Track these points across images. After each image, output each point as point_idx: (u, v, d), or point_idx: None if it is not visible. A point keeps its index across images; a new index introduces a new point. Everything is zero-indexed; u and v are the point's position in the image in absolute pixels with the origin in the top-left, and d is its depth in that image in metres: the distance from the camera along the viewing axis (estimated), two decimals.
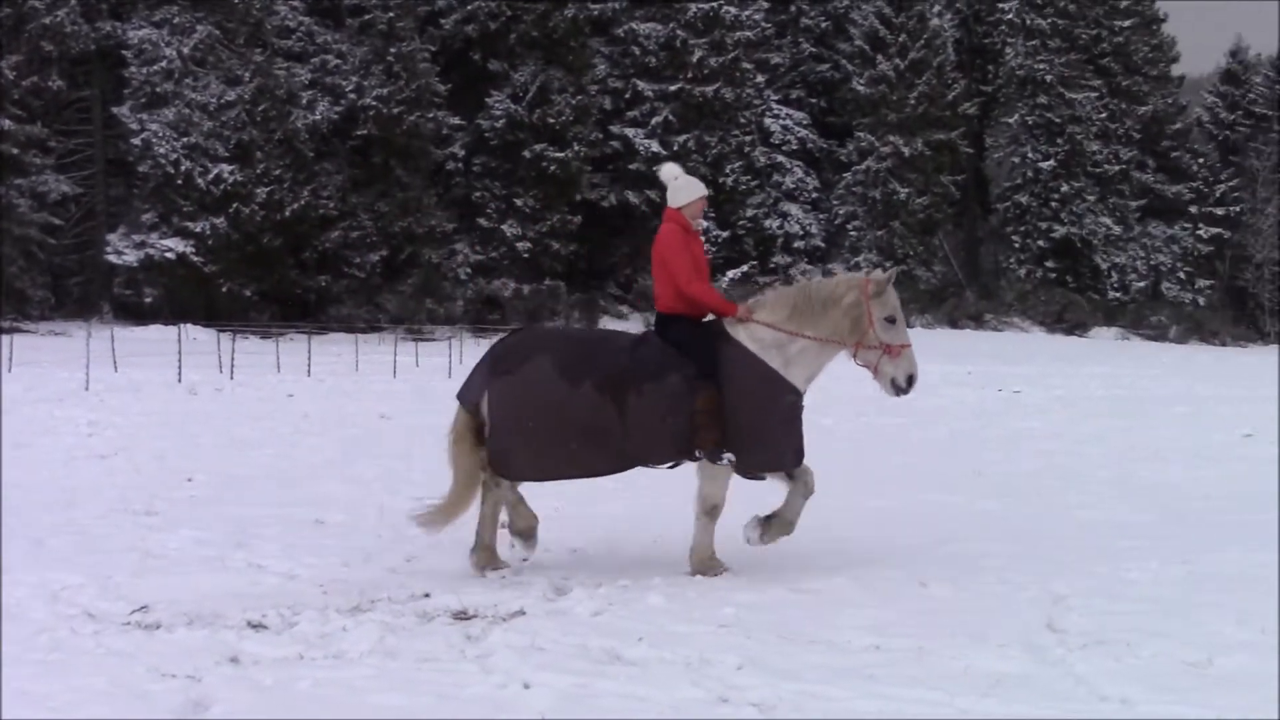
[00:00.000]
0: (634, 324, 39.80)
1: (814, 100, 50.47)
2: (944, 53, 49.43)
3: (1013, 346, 40.51)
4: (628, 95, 44.00)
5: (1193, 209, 55.00)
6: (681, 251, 6.39)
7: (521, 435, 6.21)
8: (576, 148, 40.03)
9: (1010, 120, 51.75)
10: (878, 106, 47.53)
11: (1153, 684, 4.17)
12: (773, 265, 46.30)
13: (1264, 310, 56.25)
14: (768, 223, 46.41)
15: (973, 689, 4.14)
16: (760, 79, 46.57)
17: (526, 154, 39.33)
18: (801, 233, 47.46)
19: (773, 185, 47.06)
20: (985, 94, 53.61)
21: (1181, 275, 54.58)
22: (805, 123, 49.00)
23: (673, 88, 43.92)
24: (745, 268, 44.48)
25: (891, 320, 6.32)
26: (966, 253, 53.61)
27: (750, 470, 6.31)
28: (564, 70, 40.39)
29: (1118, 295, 52.19)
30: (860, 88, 48.12)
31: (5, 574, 5.63)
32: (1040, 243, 50.92)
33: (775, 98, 48.27)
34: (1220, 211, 55.16)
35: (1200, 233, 54.87)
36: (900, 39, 48.01)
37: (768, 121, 47.27)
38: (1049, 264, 50.88)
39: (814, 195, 48.75)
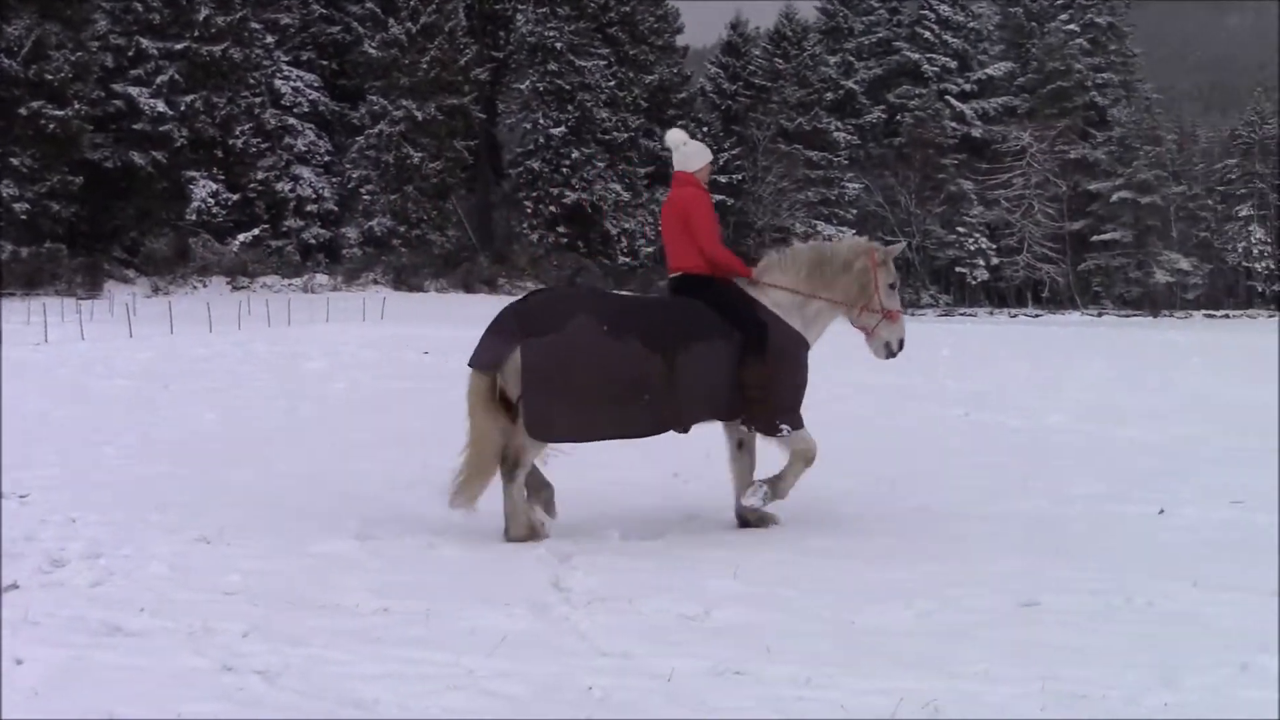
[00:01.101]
0: (141, 288, 46.78)
1: (325, 62, 59.73)
2: (455, 18, 59.78)
3: None
4: (131, 53, 50.92)
5: None
6: (709, 214, 7.81)
7: (565, 395, 7.11)
8: (77, 106, 46.47)
9: (521, 86, 63.07)
10: (389, 70, 57.19)
11: (652, 637, 5.12)
12: (284, 229, 54.87)
13: None
14: (279, 185, 54.87)
15: (479, 648, 4.87)
16: (270, 39, 54.96)
17: (23, 111, 45.31)
18: (314, 196, 56.31)
19: (284, 148, 55.60)
20: (497, 60, 64.75)
21: None
22: (316, 85, 58.16)
23: (179, 46, 51.42)
24: (256, 231, 52.85)
25: (893, 287, 7.99)
26: (480, 218, 64.54)
27: (777, 430, 7.57)
28: (62, 25, 46.67)
29: (627, 260, 64.25)
30: (372, 50, 57.67)
31: None
32: (552, 208, 62.05)
33: (286, 59, 56.88)
34: (723, 179, 69.40)
35: None
36: (412, 3, 57.76)
37: (278, 83, 55.86)
38: (560, 229, 62.23)
39: (326, 158, 57.81)
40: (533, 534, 7.24)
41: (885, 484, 9.30)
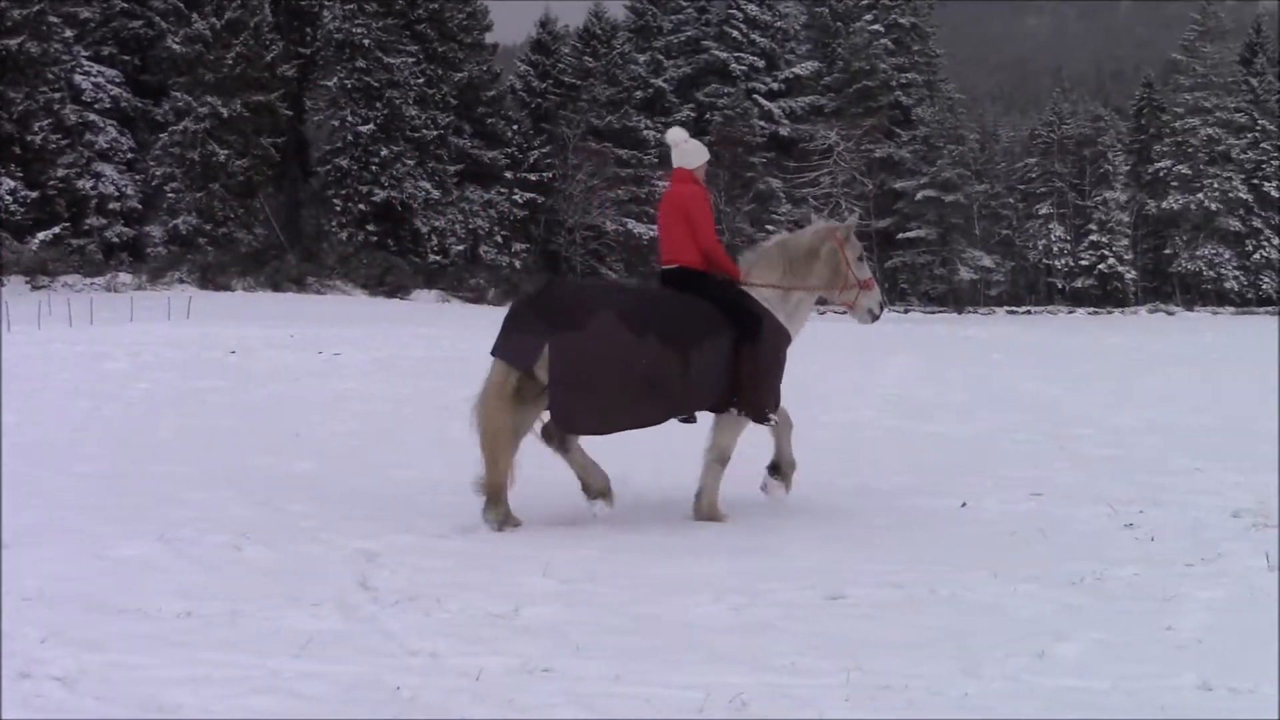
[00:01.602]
0: None
1: (127, 58, 63.09)
2: (261, 13, 63.62)
3: (335, 309, 47.62)
4: None
5: (508, 174, 73.13)
6: (709, 211, 9.13)
7: (587, 389, 8.21)
8: None
9: (329, 84, 66.99)
10: (194, 66, 60.65)
11: (460, 635, 5.53)
12: (86, 227, 57.96)
13: (575, 272, 76.00)
14: (80, 183, 57.76)
15: (285, 649, 5.21)
16: (69, 33, 58.17)
17: None
18: (117, 194, 59.51)
19: (85, 144, 58.71)
20: (304, 56, 68.71)
21: (499, 239, 72.68)
22: (119, 80, 61.52)
23: None
24: (57, 229, 55.76)
25: (860, 259, 9.30)
26: (288, 216, 67.88)
27: (766, 419, 8.89)
28: None
29: (438, 258, 67.92)
30: (175, 46, 61.21)
31: None
32: (361, 206, 65.32)
33: (86, 54, 60.08)
34: (534, 177, 74.16)
35: (516, 198, 73.22)
36: None
37: (78, 78, 59.06)
38: (370, 227, 65.51)
39: (129, 155, 61.19)
40: (602, 491, 8.73)
41: (694, 480, 9.53)
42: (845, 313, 9.58)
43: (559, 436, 8.73)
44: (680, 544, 7.85)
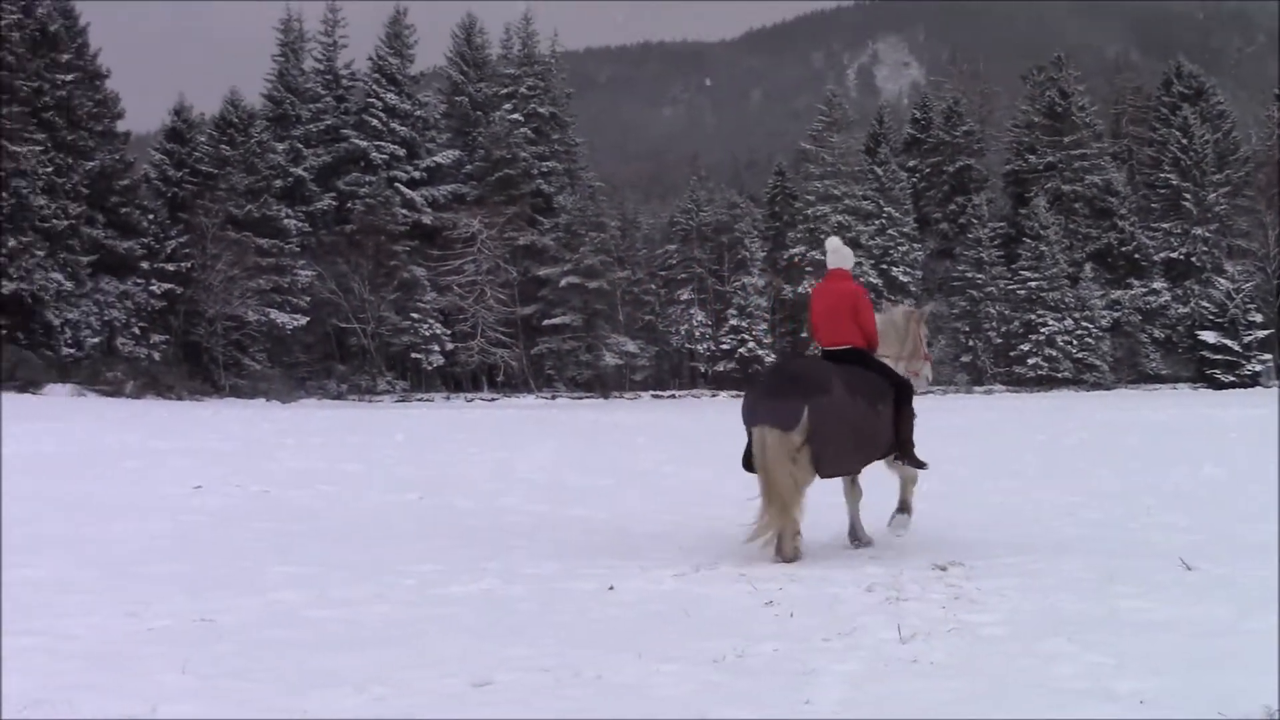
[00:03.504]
0: None
1: None
2: None
3: None
4: None
5: (144, 264, 74.62)
6: (871, 307, 12.12)
7: (835, 442, 11.07)
8: None
9: None
10: None
11: None
12: None
13: (217, 364, 77.85)
14: None
15: None
16: None
17: None
18: None
19: None
20: None
21: (136, 330, 74.25)
22: None
23: None
24: None
25: (928, 337, 12.53)
26: None
27: (921, 463, 12.33)
28: None
29: (72, 351, 69.06)
30: None
31: None
32: None
33: None
34: (171, 267, 76.11)
35: (153, 288, 74.87)
36: None
37: None
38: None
39: None
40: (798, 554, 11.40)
41: (339, 570, 10.49)
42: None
43: (850, 483, 12.25)
44: (317, 637, 8.01)
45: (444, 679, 6.82)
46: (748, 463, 11.74)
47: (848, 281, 12.38)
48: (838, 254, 12.57)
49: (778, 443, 11.10)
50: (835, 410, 11.16)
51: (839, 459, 11.39)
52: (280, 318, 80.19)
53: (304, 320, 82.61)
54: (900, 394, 12.06)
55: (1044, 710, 6.24)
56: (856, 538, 12.38)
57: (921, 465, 12.28)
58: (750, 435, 11.50)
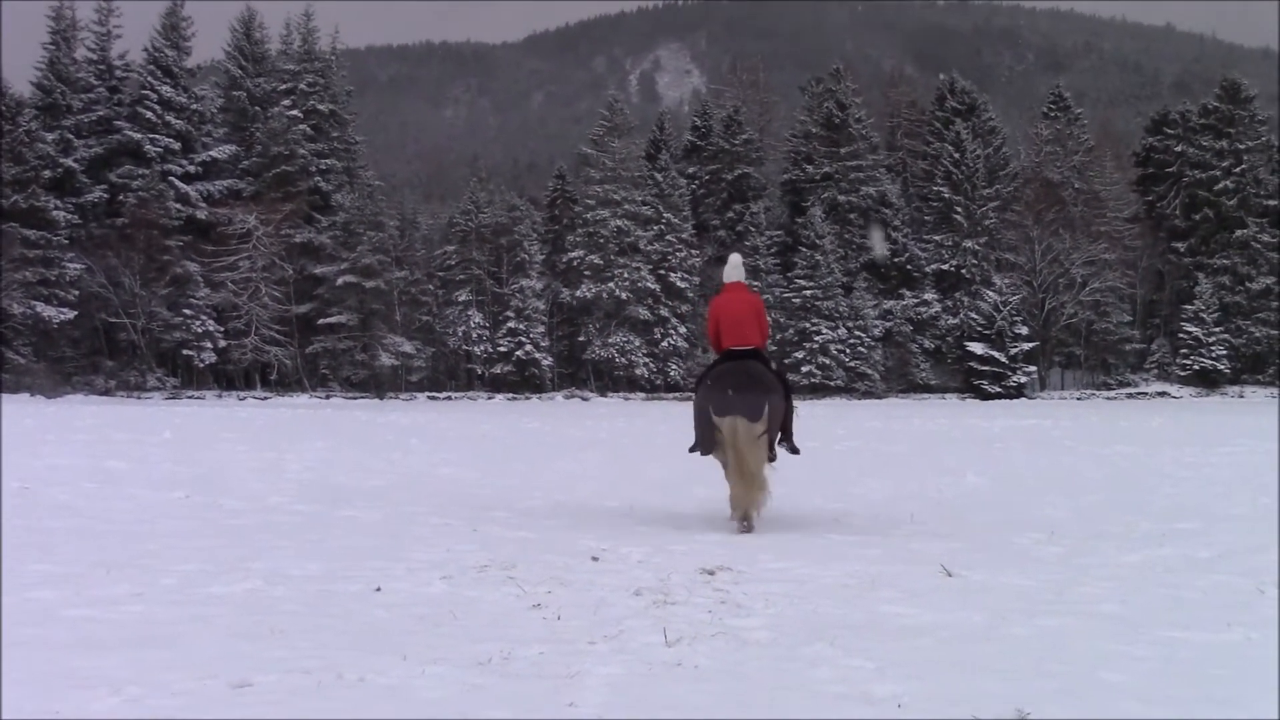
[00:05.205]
0: None
1: None
2: None
3: None
4: None
5: None
6: (765, 312, 14.82)
7: (775, 428, 13.95)
8: None
9: None
10: None
11: None
12: None
13: None
14: None
15: None
16: None
17: None
18: None
19: None
20: None
21: None
22: None
23: None
24: None
25: None
26: None
27: (797, 449, 14.93)
28: None
29: None
30: None
31: None
32: None
33: None
34: None
35: None
36: None
37: None
38: None
39: None
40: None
41: (97, 568, 10.35)
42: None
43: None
44: (73, 637, 7.91)
45: (203, 680, 6.88)
46: (704, 448, 14.48)
47: (748, 292, 15.08)
48: (737, 269, 15.21)
49: (747, 430, 13.82)
50: (778, 403, 14.11)
51: (776, 443, 14.37)
52: (47, 311, 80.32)
53: (72, 314, 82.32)
54: (787, 389, 14.64)
55: (803, 712, 6.55)
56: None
57: (796, 450, 15.02)
58: (719, 425, 13.99)
